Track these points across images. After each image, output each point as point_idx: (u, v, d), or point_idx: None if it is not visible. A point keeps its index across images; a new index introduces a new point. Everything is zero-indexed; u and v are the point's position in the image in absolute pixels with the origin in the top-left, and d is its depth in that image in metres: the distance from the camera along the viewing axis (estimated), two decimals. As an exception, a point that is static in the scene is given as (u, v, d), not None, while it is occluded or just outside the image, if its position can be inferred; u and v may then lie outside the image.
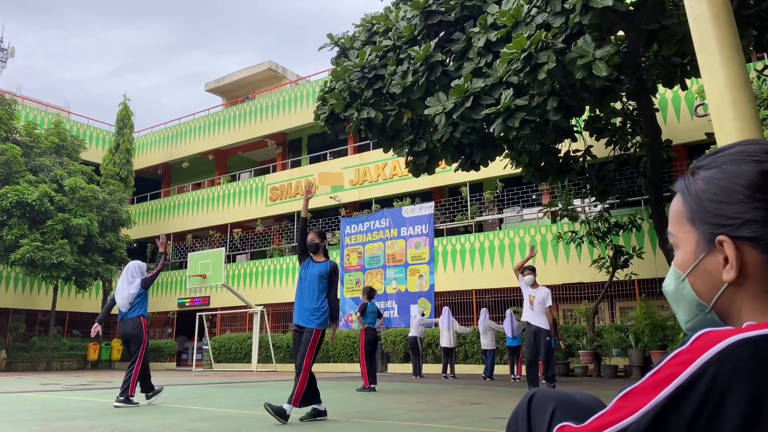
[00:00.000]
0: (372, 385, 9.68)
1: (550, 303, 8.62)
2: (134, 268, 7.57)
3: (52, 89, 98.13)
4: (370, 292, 10.51)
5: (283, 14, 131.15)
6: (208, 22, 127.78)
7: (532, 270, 8.85)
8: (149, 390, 7.44)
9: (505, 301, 16.28)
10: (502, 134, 8.93)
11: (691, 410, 0.64)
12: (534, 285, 8.73)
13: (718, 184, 0.78)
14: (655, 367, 0.70)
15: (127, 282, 7.41)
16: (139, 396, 7.33)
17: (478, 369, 14.86)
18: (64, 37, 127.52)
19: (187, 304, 23.02)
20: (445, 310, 14.29)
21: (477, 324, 14.85)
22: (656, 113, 11.61)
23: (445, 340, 13.80)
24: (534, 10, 8.42)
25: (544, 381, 8.79)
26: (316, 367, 13.41)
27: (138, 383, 7.28)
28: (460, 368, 15.22)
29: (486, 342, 13.45)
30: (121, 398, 7.01)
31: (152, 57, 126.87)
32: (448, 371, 13.77)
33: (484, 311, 13.89)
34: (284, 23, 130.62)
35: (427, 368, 14.93)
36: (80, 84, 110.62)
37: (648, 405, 0.66)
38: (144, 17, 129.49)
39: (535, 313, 8.53)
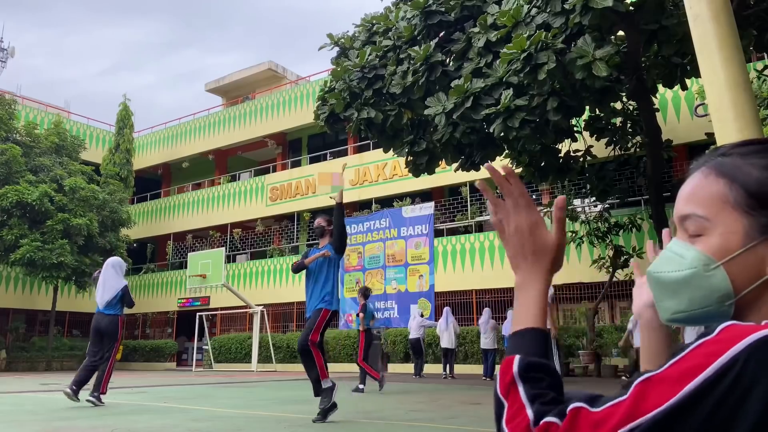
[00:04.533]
0: (360, 386, 9.58)
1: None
2: (118, 267, 7.63)
3: (47, 88, 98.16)
4: (365, 292, 10.35)
5: (277, 12, 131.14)
6: (201, 20, 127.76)
7: None
8: (79, 387, 7.23)
9: (506, 301, 16.27)
10: (502, 134, 8.93)
11: (714, 401, 0.62)
12: None
13: None
14: (678, 354, 0.67)
15: (107, 281, 7.46)
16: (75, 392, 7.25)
17: (479, 369, 14.85)
18: (59, 35, 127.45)
19: (180, 302, 23.03)
20: (446, 310, 14.30)
21: (477, 324, 14.85)
22: (656, 113, 11.61)
23: (445, 341, 13.80)
24: (534, 11, 8.42)
25: None
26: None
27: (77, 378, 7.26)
28: (461, 368, 15.21)
29: (487, 342, 13.43)
30: (95, 394, 7.03)
31: (146, 55, 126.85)
32: (447, 371, 13.78)
33: (486, 311, 13.87)
34: (278, 21, 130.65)
35: (428, 368, 14.92)
36: (75, 82, 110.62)
37: (673, 399, 0.64)
38: (135, 15, 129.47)
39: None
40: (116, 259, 7.84)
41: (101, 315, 7.38)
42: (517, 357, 0.78)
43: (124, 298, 7.44)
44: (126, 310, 7.71)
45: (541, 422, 0.70)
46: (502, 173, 0.91)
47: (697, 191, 0.82)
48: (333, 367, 19.07)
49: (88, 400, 6.96)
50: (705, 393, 0.63)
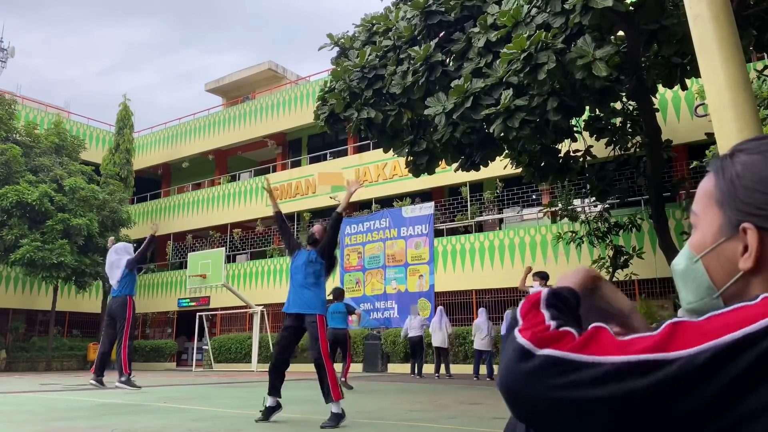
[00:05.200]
0: (343, 379, 9.72)
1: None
2: (121, 248, 7.74)
3: (47, 88, 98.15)
4: (335, 292, 10.43)
5: (276, 12, 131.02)
6: (201, 20, 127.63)
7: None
8: (100, 374, 7.45)
9: (505, 301, 16.27)
10: (502, 134, 8.92)
11: (755, 356, 0.60)
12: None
13: (757, 172, 0.75)
14: (710, 313, 0.66)
15: (113, 262, 7.57)
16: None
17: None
18: (59, 35, 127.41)
19: (192, 304, 23.03)
20: (439, 309, 14.31)
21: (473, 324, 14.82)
22: (656, 113, 11.60)
23: (438, 340, 13.80)
24: (534, 11, 8.41)
25: None
26: (310, 367, 13.37)
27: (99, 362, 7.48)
28: (460, 368, 15.21)
29: (483, 343, 13.35)
30: (122, 380, 7.15)
31: (145, 55, 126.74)
32: (442, 371, 13.78)
33: (482, 312, 13.85)
34: (278, 21, 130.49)
35: (427, 368, 14.92)
36: (75, 82, 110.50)
37: (708, 344, 0.62)
38: (135, 15, 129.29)
39: None
40: (119, 243, 8.00)
41: (113, 299, 7.58)
42: (545, 290, 0.79)
43: (131, 267, 7.47)
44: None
45: (561, 329, 0.69)
46: None
47: (699, 188, 0.84)
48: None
49: (117, 387, 7.08)
50: (743, 347, 0.61)
